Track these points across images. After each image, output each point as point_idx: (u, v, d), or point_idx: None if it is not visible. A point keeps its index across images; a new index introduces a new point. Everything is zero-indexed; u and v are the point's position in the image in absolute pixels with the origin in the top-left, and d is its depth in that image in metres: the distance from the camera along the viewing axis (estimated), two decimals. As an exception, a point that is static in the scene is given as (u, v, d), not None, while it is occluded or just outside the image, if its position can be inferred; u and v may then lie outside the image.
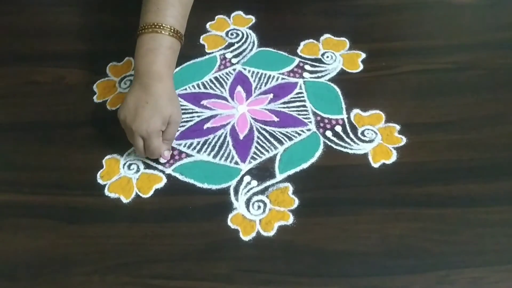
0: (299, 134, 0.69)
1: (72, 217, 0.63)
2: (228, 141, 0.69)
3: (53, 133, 0.71)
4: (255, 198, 0.63)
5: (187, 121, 0.71)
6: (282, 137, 0.69)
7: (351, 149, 0.67)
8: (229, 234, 0.60)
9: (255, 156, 0.67)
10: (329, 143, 0.68)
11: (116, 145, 0.68)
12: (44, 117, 0.73)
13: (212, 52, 0.80)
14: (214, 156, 0.67)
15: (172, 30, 0.65)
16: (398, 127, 0.69)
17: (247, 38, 0.81)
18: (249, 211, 0.62)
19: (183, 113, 0.70)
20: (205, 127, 0.70)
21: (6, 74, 0.78)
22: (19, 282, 0.58)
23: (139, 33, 0.66)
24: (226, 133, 0.70)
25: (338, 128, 0.70)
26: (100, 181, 0.66)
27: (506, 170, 0.65)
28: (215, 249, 0.59)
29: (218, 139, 0.69)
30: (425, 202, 0.62)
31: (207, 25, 0.83)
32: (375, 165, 0.66)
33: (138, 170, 0.67)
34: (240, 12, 0.85)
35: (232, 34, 0.82)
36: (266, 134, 0.69)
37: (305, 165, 0.66)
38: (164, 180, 0.66)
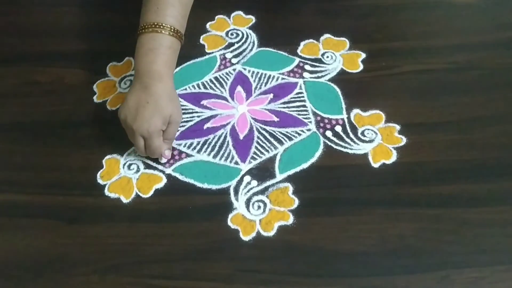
0: (299, 134, 0.69)
1: (72, 217, 0.63)
2: (228, 141, 0.69)
3: (53, 133, 0.71)
4: (255, 198, 0.63)
5: (187, 121, 0.71)
6: (282, 137, 0.69)
7: (351, 149, 0.67)
8: (229, 234, 0.60)
9: (255, 156, 0.67)
10: (329, 143, 0.68)
11: (116, 145, 0.68)
12: (44, 117, 0.73)
13: (212, 52, 0.80)
14: (214, 156, 0.67)
15: (172, 30, 0.65)
16: (398, 127, 0.69)
17: (247, 38, 0.81)
18: (249, 211, 0.62)
19: (183, 113, 0.70)
20: (205, 127, 0.70)
21: (6, 74, 0.78)
22: (19, 282, 0.58)
23: (139, 32, 0.66)
24: (226, 133, 0.70)
25: (338, 128, 0.70)
26: (100, 181, 0.66)
27: (506, 170, 0.65)
28: (215, 249, 0.59)
29: (218, 139, 0.69)
30: (425, 202, 0.62)
31: (207, 25, 0.83)
32: (375, 165, 0.66)
33: (138, 170, 0.67)
34: (240, 12, 0.85)
35: (232, 34, 0.82)
36: (266, 134, 0.69)
37: (305, 165, 0.66)
38: (164, 180, 0.66)
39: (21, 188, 0.65)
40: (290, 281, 0.57)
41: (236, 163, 0.67)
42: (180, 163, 0.67)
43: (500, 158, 0.66)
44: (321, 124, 0.70)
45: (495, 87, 0.74)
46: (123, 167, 0.67)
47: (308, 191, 0.64)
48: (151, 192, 0.65)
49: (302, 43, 0.80)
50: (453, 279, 0.56)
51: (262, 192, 0.64)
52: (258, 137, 0.69)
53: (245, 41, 0.81)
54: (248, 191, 0.64)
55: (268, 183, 0.65)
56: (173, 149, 0.68)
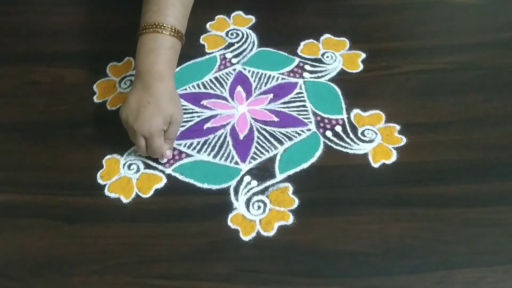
0: (299, 134, 0.69)
1: (72, 217, 0.63)
2: (228, 141, 0.69)
3: (53, 133, 0.71)
4: (255, 198, 0.63)
5: (187, 121, 0.71)
6: (282, 137, 0.69)
7: (351, 149, 0.67)
8: (229, 234, 0.60)
9: (255, 156, 0.67)
10: (329, 143, 0.68)
11: (116, 145, 0.68)
12: (44, 117, 0.73)
13: (212, 52, 0.80)
14: (214, 156, 0.67)
15: (173, 30, 0.65)
16: (398, 127, 0.69)
17: (247, 38, 0.81)
18: (249, 211, 0.62)
19: (183, 113, 0.70)
20: (205, 127, 0.70)
21: (6, 74, 0.78)
22: (19, 282, 0.58)
23: (140, 33, 0.66)
24: (226, 133, 0.70)
25: (338, 128, 0.70)
26: (100, 181, 0.66)
27: (506, 170, 0.65)
28: (215, 249, 0.59)
29: (218, 139, 0.69)
30: (425, 202, 0.62)
31: (207, 25, 0.83)
32: (375, 165, 0.66)
33: (138, 170, 0.67)
34: (240, 12, 0.85)
35: (232, 34, 0.82)
36: (266, 134, 0.69)
37: (305, 165, 0.66)
38: (164, 180, 0.66)
39: (21, 188, 0.65)
40: (290, 281, 0.57)
41: (236, 163, 0.67)
42: (180, 163, 0.67)
43: (500, 158, 0.66)
44: (321, 124, 0.70)
45: (495, 87, 0.74)
46: (123, 167, 0.67)
47: (308, 191, 0.64)
48: (151, 192, 0.65)
49: (302, 43, 0.80)
50: (453, 279, 0.56)
51: (262, 192, 0.64)
52: (258, 137, 0.69)
53: (245, 41, 0.81)
54: (248, 191, 0.64)
55: (268, 183, 0.65)
56: (173, 149, 0.68)
